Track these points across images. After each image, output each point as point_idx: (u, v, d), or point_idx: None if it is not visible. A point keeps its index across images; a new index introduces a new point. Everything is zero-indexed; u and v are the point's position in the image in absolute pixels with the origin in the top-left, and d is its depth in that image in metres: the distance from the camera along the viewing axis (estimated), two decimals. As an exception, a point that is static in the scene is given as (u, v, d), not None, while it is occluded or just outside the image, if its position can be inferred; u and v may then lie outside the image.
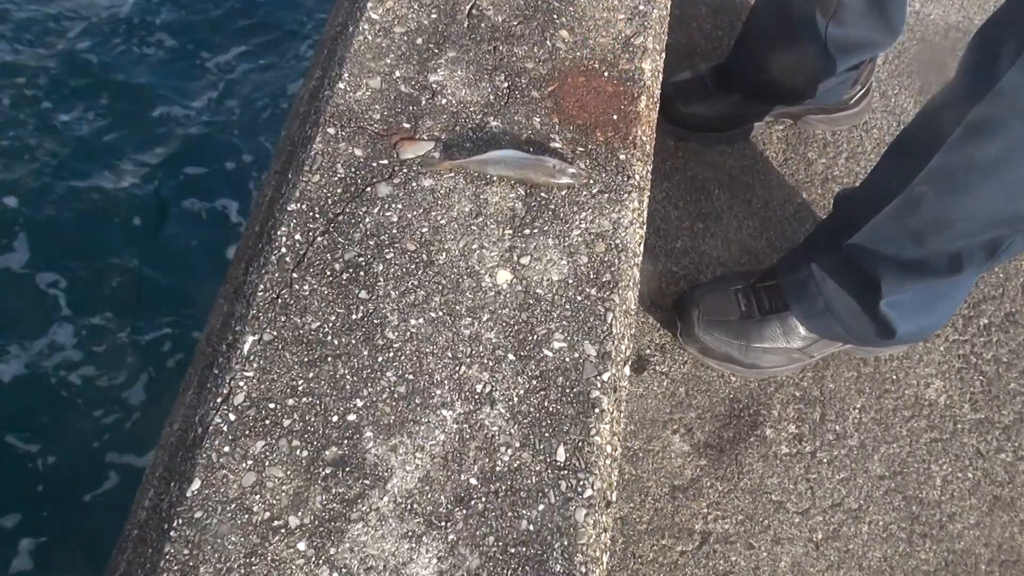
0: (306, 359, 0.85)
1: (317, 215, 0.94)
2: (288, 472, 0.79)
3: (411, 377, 0.85)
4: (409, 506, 0.78)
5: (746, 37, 1.48)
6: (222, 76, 2.99)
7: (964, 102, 0.94)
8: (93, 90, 2.89)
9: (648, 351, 1.36)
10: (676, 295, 1.38)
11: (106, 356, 2.43)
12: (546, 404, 0.85)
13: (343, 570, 0.74)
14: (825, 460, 1.29)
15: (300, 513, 0.77)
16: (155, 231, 2.67)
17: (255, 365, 0.84)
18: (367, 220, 0.94)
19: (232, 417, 0.81)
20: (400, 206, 0.95)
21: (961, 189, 0.99)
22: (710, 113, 1.52)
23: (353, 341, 0.86)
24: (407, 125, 1.02)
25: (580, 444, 0.83)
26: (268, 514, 0.76)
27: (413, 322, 0.88)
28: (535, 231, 0.96)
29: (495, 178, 0.99)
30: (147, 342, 2.48)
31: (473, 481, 0.80)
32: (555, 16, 1.15)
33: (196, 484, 0.77)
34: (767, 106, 1.53)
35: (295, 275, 0.89)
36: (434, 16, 1.12)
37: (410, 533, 0.77)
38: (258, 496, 0.77)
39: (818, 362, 1.36)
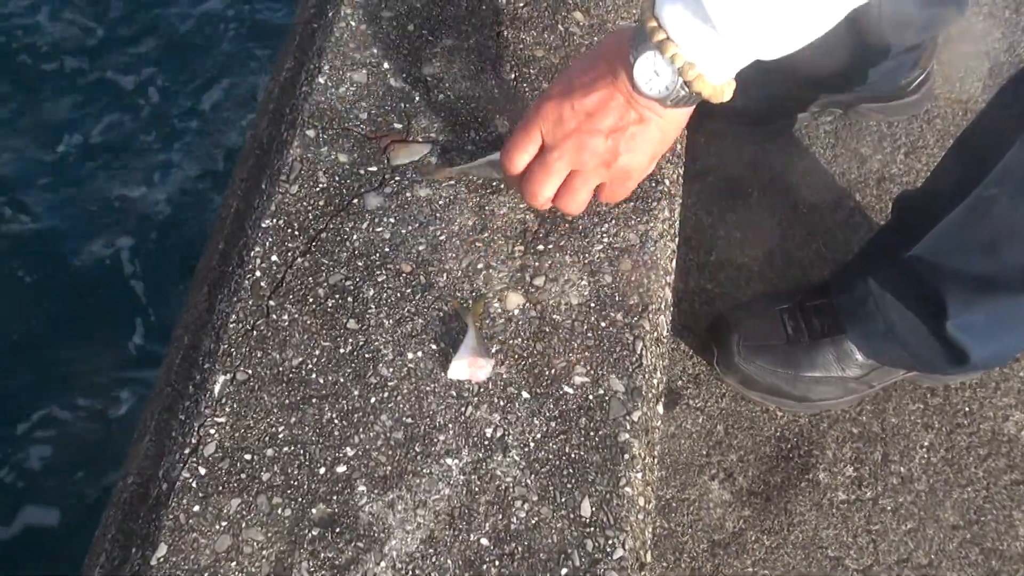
0: (287, 401, 0.85)
1: (297, 232, 0.95)
2: (269, 534, 0.79)
3: (409, 420, 0.86)
4: (411, 572, 0.79)
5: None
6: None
7: None
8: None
9: (680, 383, 1.37)
10: (711, 317, 1.39)
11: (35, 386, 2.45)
12: (567, 450, 0.86)
13: (335, 649, 0.75)
14: (889, 508, 1.30)
15: (283, 582, 0.78)
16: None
17: (228, 409, 0.85)
18: (355, 237, 0.95)
19: (202, 471, 0.81)
20: (392, 220, 0.97)
21: None
22: (747, 103, 1.54)
23: (341, 379, 0.87)
24: (399, 126, 1.04)
25: (608, 496, 0.83)
26: (246, 584, 0.77)
27: (411, 356, 0.89)
28: (550, 247, 0.97)
29: (502, 186, 1.00)
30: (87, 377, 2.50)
31: (484, 542, 0.81)
32: (567, -4, 1.17)
33: (162, 550, 0.78)
34: (812, 94, 1.55)
35: (272, 303, 0.90)
36: (427, -3, 1.14)
37: (412, 604, 0.78)
38: (234, 563, 0.78)
39: (878, 393, 1.37)
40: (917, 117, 1.65)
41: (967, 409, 1.38)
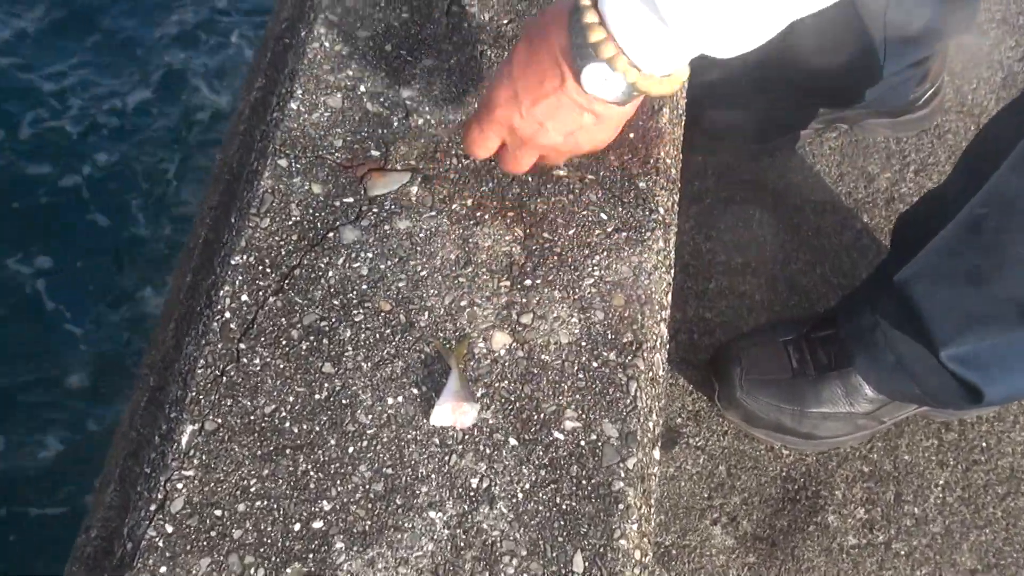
0: (259, 452, 0.86)
1: (268, 269, 0.96)
2: (240, 596, 0.80)
3: (390, 471, 0.87)
4: (392, 635, 0.80)
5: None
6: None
7: None
8: None
9: (679, 420, 1.39)
10: (712, 349, 1.40)
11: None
12: (558, 500, 0.87)
13: None
14: (903, 552, 1.32)
15: (256, 648, 0.78)
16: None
17: (196, 462, 0.85)
18: (330, 274, 0.96)
19: (169, 529, 0.82)
20: (371, 255, 0.98)
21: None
22: (747, 119, 1.56)
23: (317, 428, 0.88)
24: (376, 153, 1.05)
25: (602, 550, 0.85)
26: (217, 650, 0.78)
27: (391, 401, 0.90)
28: (538, 282, 0.98)
29: (486, 216, 1.01)
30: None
31: (471, 601, 0.82)
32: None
33: (126, 615, 0.79)
34: (813, 108, 1.57)
35: (243, 346, 0.91)
36: (405, 15, 1.16)
37: (394, 669, 0.79)
38: (204, 628, 0.79)
39: (889, 429, 1.39)
40: (927, 132, 1.68)
41: (984, 445, 1.40)
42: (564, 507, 0.86)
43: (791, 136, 1.61)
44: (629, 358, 0.95)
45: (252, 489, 0.85)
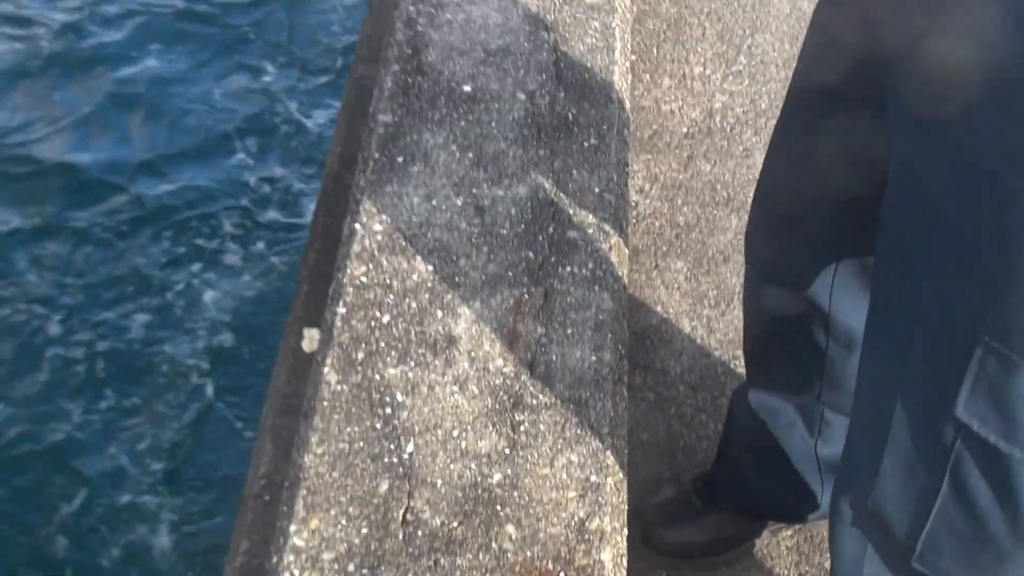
0: None
1: None
2: None
3: None
4: None
5: (726, 448, 1.67)
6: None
7: None
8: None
9: None
10: None
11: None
12: None
13: None
14: None
15: None
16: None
17: None
18: None
19: None
20: None
21: None
22: (701, 538, 1.68)
23: None
24: None
25: None
26: None
27: None
28: None
29: None
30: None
31: None
32: (498, 507, 1.34)
33: None
34: (762, 524, 1.69)
35: None
36: (365, 531, 1.30)
37: None
38: None
39: None
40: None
41: None
42: None
43: (746, 546, 1.73)
44: None
45: None
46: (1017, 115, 0.86)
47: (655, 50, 2.61)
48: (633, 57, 2.56)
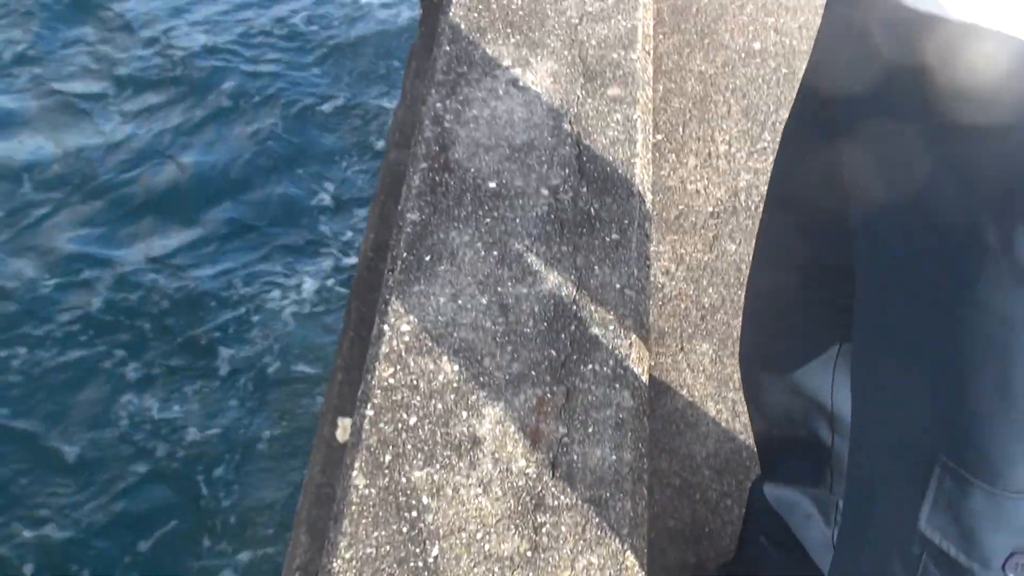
0: None
1: None
2: None
3: None
4: None
5: (747, 538, 1.71)
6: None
7: None
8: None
9: None
10: None
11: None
12: None
13: None
14: None
15: None
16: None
17: None
18: None
19: None
20: None
21: None
22: None
23: None
24: None
25: None
26: None
27: None
28: None
29: None
30: None
31: None
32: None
33: None
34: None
35: None
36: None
37: None
38: None
39: None
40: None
41: None
42: None
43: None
44: None
45: None
46: (965, 255, 0.91)
47: (681, 129, 2.67)
48: (659, 136, 2.62)
